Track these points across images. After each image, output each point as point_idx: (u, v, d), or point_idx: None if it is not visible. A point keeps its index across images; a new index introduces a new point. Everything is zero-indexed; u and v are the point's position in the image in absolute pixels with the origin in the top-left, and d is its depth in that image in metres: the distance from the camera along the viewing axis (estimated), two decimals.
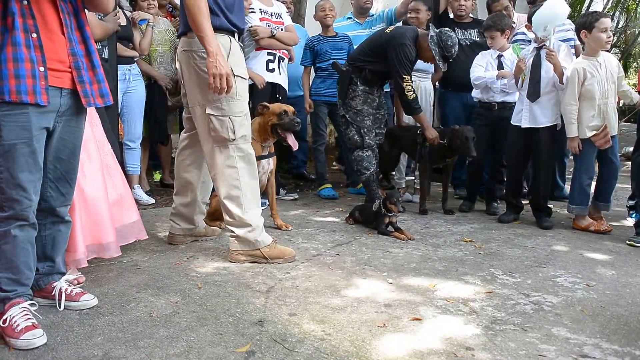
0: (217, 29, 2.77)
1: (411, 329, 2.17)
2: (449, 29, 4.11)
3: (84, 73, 2.12)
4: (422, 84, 4.82)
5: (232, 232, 2.97)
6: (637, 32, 11.72)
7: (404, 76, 3.99)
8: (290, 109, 3.66)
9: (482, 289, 2.65)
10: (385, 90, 4.47)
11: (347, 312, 2.31)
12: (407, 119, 4.53)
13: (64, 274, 2.40)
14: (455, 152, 4.21)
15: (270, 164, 3.71)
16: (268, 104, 3.66)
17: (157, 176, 5.49)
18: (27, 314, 2.04)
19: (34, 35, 1.97)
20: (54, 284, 2.32)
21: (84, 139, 2.32)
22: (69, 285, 2.36)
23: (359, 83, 4.12)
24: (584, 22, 3.74)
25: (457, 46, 4.05)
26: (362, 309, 2.34)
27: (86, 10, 2.19)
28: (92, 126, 2.69)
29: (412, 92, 4.03)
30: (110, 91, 2.25)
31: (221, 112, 2.85)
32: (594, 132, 3.74)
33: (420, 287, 2.65)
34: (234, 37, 2.89)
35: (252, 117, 3.39)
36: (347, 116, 4.19)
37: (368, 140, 4.14)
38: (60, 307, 2.28)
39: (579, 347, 2.06)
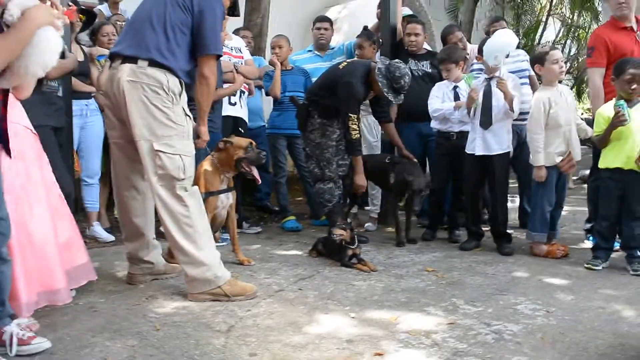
0: (172, 71, 2.78)
1: None
2: (398, 60, 4.16)
3: None
4: (364, 118, 4.77)
5: (188, 273, 2.88)
6: None
7: (350, 115, 3.99)
8: (252, 142, 3.67)
9: (444, 319, 2.65)
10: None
11: (308, 350, 2.28)
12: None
13: (14, 316, 2.31)
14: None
15: (229, 198, 3.67)
16: (231, 139, 3.64)
17: (117, 212, 5.37)
18: None
19: None
20: (4, 329, 2.23)
21: (33, 181, 2.26)
22: (20, 329, 2.26)
23: (316, 116, 4.15)
24: (537, 57, 3.93)
25: (407, 77, 4.03)
26: (324, 346, 2.32)
27: None
28: (41, 168, 2.61)
29: (356, 132, 4.02)
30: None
31: (172, 150, 2.79)
32: (561, 158, 3.85)
33: (383, 320, 2.64)
34: (182, 82, 2.88)
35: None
36: (307, 149, 4.20)
37: (328, 173, 4.15)
38: (11, 352, 2.18)
39: None
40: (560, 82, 4.12)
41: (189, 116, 2.87)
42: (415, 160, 4.41)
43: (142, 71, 2.75)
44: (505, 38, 3.91)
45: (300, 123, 4.23)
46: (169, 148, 2.78)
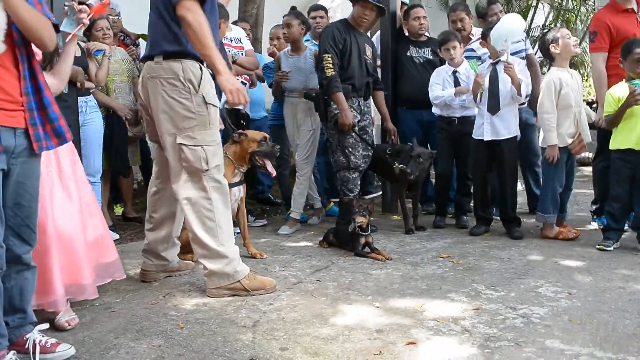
0: (188, 55, 2.73)
1: (408, 354, 2.13)
2: None
3: (35, 114, 2.01)
4: None
5: (207, 267, 2.84)
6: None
7: (324, 55, 4.03)
8: (267, 135, 3.66)
9: (469, 305, 2.64)
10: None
11: (339, 342, 2.25)
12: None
13: (36, 323, 2.26)
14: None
15: (241, 191, 3.63)
16: (245, 132, 3.60)
17: (118, 210, 5.30)
18: None
19: None
20: (27, 336, 2.18)
21: (65, 177, 2.20)
22: (43, 336, 2.22)
23: (331, 103, 4.10)
24: (551, 38, 3.86)
25: None
26: (355, 337, 2.29)
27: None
28: (73, 164, 2.59)
29: (330, 69, 4.02)
30: (68, 127, 2.16)
31: (193, 142, 2.76)
32: (572, 140, 3.84)
33: (408, 308, 2.62)
34: (203, 64, 2.82)
35: None
36: (331, 140, 4.18)
37: (354, 160, 4.12)
38: None
39: (575, 359, 2.06)
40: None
41: (211, 104, 2.81)
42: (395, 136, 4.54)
43: (158, 66, 2.76)
44: (513, 22, 3.87)
45: (320, 115, 4.21)
46: (190, 140, 2.75)
